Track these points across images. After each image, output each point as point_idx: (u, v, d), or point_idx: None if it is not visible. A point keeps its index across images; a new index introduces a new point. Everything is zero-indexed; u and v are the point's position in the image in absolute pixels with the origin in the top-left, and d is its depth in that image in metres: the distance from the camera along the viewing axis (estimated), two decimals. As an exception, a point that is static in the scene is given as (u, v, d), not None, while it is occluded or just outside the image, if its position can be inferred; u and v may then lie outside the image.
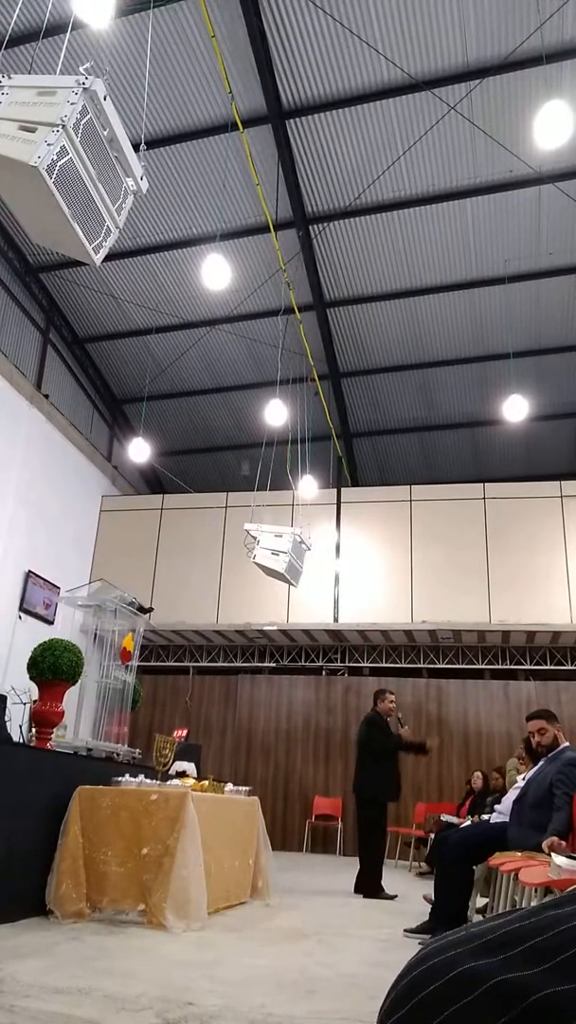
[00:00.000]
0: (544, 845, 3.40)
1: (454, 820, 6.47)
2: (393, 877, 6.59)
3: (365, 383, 12.35)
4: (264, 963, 3.14)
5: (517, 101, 8.03)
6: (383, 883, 6.00)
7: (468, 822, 5.77)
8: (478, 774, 8.64)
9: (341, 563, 11.31)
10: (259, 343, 11.36)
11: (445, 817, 6.98)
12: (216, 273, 7.48)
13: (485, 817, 5.12)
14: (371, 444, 13.54)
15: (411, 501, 11.34)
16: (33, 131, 2.78)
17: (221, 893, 4.47)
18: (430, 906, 4.31)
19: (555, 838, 3.46)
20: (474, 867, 4.20)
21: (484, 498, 11.09)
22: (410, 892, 6.11)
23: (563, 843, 3.44)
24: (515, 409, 9.07)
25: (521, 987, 0.57)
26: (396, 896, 5.84)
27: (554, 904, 0.64)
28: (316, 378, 10.86)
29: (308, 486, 10.26)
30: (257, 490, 8.84)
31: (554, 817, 3.61)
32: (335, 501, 11.69)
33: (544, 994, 0.56)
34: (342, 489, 11.94)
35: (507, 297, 10.33)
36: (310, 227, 9.73)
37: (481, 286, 10.37)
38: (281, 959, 3.30)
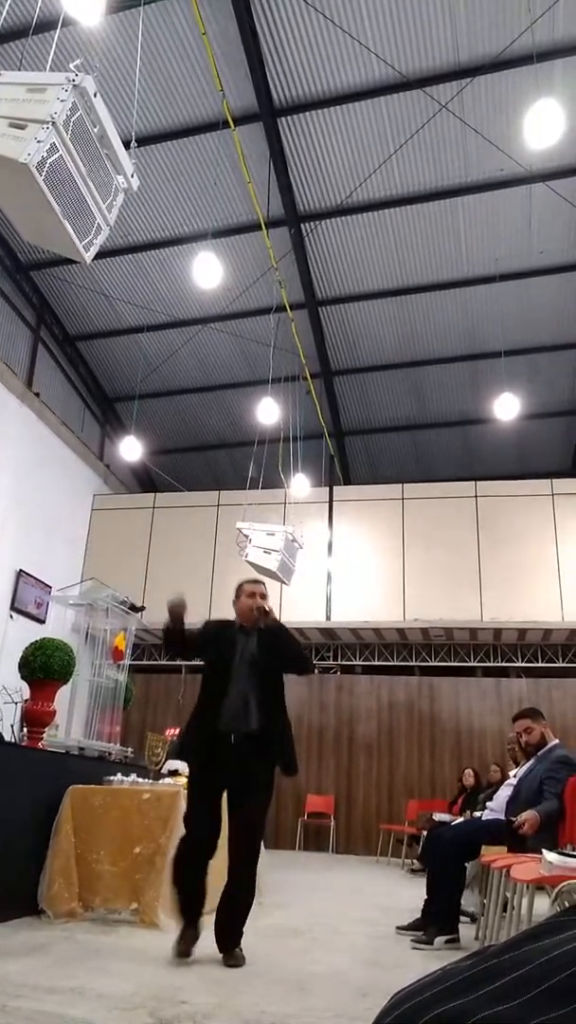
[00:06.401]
0: (520, 817, 3.47)
1: (446, 818, 6.48)
2: (385, 875, 6.61)
3: (357, 381, 12.35)
4: (257, 961, 3.14)
5: (508, 100, 8.04)
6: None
7: (460, 820, 5.78)
8: (469, 771, 8.65)
9: (333, 561, 11.31)
10: (251, 341, 11.34)
11: (437, 816, 6.99)
12: (208, 271, 7.47)
13: (478, 814, 5.13)
14: (363, 442, 13.55)
15: (403, 499, 11.36)
16: (23, 128, 2.77)
17: (214, 892, 4.46)
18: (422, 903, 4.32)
19: (533, 812, 3.49)
20: (466, 864, 4.22)
21: (476, 496, 11.12)
22: (401, 890, 6.13)
23: (536, 819, 3.48)
24: (506, 407, 9.10)
25: (507, 1020, 0.54)
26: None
27: (532, 936, 0.62)
28: (308, 376, 10.86)
29: (300, 484, 10.25)
30: (249, 488, 8.83)
31: (543, 804, 3.62)
32: (327, 499, 11.69)
33: (536, 1023, 0.54)
34: (334, 487, 11.95)
35: (498, 295, 10.35)
36: (301, 225, 9.72)
37: (472, 284, 10.38)
38: (274, 957, 3.30)
